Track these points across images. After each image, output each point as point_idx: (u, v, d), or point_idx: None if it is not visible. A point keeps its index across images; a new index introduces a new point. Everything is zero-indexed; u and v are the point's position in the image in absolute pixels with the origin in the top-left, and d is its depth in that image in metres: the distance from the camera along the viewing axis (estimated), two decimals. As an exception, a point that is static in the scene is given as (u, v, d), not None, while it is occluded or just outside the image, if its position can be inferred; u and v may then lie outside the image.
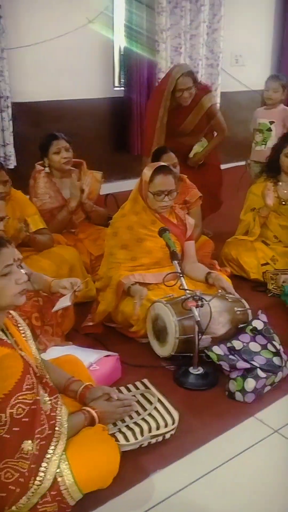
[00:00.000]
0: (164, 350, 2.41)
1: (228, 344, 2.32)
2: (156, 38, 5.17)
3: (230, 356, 2.26)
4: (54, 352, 2.20)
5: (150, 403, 2.01)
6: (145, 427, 1.88)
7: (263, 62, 6.47)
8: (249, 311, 2.52)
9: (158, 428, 1.91)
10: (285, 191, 3.25)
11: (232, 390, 2.19)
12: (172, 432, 1.95)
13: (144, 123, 5.12)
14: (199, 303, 2.25)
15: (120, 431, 1.86)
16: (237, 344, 2.33)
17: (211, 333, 2.35)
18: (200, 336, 2.23)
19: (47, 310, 2.37)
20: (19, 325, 1.69)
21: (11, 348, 1.52)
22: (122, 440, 1.83)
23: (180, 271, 2.42)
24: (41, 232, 2.89)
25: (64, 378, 1.81)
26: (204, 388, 2.27)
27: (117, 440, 1.80)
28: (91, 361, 2.22)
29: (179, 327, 2.31)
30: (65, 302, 2.29)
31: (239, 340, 2.35)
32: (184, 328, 2.31)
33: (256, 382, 2.15)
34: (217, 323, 2.39)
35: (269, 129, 3.95)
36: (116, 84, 5.40)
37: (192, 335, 2.25)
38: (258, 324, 2.40)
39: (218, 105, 3.65)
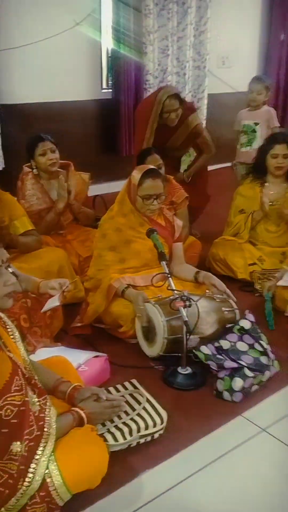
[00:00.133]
0: (152, 350, 2.43)
1: (216, 344, 2.34)
2: (143, 40, 5.20)
3: (218, 356, 2.28)
4: (43, 354, 2.20)
5: (139, 403, 2.03)
6: (134, 427, 1.89)
7: (250, 64, 6.52)
8: (237, 311, 2.54)
9: (146, 428, 1.92)
10: (272, 192, 3.28)
11: (220, 389, 2.21)
12: (161, 431, 1.96)
13: (131, 125, 5.20)
14: (187, 303, 2.26)
15: (109, 431, 1.87)
16: (224, 343, 2.34)
17: (199, 333, 2.36)
18: (188, 336, 2.25)
19: (35, 312, 2.37)
20: (7, 326, 1.69)
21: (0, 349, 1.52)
22: (111, 440, 1.83)
23: (168, 272, 2.44)
24: (30, 234, 2.89)
25: (52, 379, 1.81)
26: (193, 388, 2.29)
27: (106, 440, 1.81)
28: (80, 362, 2.22)
29: (167, 327, 2.32)
30: (54, 302, 2.29)
31: (227, 339, 2.36)
32: (173, 328, 2.33)
33: (244, 381, 2.17)
34: (205, 323, 2.41)
35: (254, 131, 3.99)
36: (104, 86, 5.42)
37: (180, 335, 2.27)
38: (245, 323, 2.42)
39: (203, 124, 3.74)
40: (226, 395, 2.19)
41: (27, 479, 1.46)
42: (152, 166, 2.79)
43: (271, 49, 6.52)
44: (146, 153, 3.23)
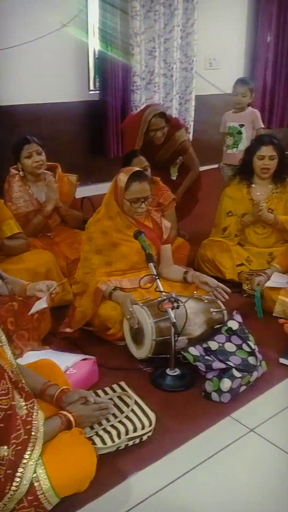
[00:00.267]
0: (141, 352, 2.43)
1: (204, 345, 2.34)
2: (130, 41, 5.20)
3: (206, 357, 2.28)
4: (31, 357, 2.19)
5: (127, 405, 2.03)
6: (122, 429, 1.89)
7: (237, 65, 6.55)
8: (225, 312, 2.54)
9: (135, 430, 1.92)
10: (258, 193, 3.30)
11: (208, 390, 2.22)
12: (149, 433, 1.96)
13: (119, 126, 5.20)
14: (175, 304, 2.26)
15: (97, 434, 1.86)
16: (213, 344, 2.35)
17: (187, 334, 2.36)
18: (176, 338, 2.25)
19: (22, 315, 2.36)
20: (-6, 330, 1.68)
21: (-14, 353, 1.52)
22: (99, 443, 1.83)
23: (155, 273, 2.44)
24: (17, 237, 2.88)
25: (40, 382, 1.80)
26: (181, 389, 2.29)
27: (94, 443, 1.81)
28: (68, 365, 2.21)
29: (155, 329, 2.32)
30: (41, 304, 2.29)
31: (215, 340, 2.37)
32: (161, 330, 2.33)
33: (232, 382, 2.18)
34: (193, 324, 2.41)
35: (240, 132, 4.02)
36: (91, 87, 5.41)
37: (168, 337, 2.27)
38: (233, 324, 2.43)
39: (190, 141, 3.83)
40: (214, 396, 2.20)
41: (14, 484, 1.45)
42: (138, 168, 2.79)
43: (258, 50, 6.55)
44: (132, 155, 3.23)
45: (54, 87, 4.97)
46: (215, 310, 2.52)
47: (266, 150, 3.24)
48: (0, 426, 1.44)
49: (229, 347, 2.36)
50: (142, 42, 5.31)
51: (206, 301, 2.54)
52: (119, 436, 1.88)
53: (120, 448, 1.90)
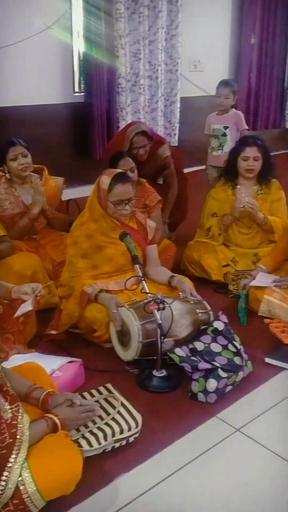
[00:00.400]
0: (127, 354, 2.42)
1: (190, 346, 2.35)
2: (115, 43, 5.21)
3: (192, 358, 2.29)
4: (16, 360, 2.18)
5: (114, 407, 2.02)
6: (108, 431, 1.89)
7: (221, 67, 6.59)
8: (211, 313, 2.55)
9: (121, 432, 1.91)
10: (243, 194, 3.32)
11: (194, 391, 2.22)
12: (136, 435, 1.96)
13: (104, 129, 5.21)
14: (161, 306, 2.27)
15: (83, 436, 1.86)
16: (198, 345, 2.36)
17: (174, 336, 2.37)
18: (162, 339, 2.25)
19: (7, 318, 2.35)
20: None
21: None
22: (85, 446, 1.83)
23: (141, 275, 2.44)
24: (2, 240, 2.86)
25: (25, 385, 1.79)
26: (167, 390, 2.29)
27: (80, 446, 1.80)
28: (54, 367, 2.21)
29: (142, 331, 2.32)
30: (26, 307, 2.27)
31: (201, 341, 2.38)
32: (147, 332, 2.33)
33: (218, 382, 2.19)
34: (179, 326, 2.42)
35: (224, 134, 4.04)
36: (76, 89, 5.40)
37: (155, 339, 2.27)
38: (219, 324, 2.44)
39: (171, 158, 3.88)
40: (200, 396, 2.21)
41: (-1, 488, 1.44)
42: (120, 170, 2.79)
43: (242, 52, 6.60)
44: (118, 156, 3.23)
45: (38, 89, 4.96)
46: (201, 311, 2.53)
47: (250, 151, 3.26)
48: (-15, 430, 1.43)
49: (215, 347, 2.37)
50: (127, 44, 5.32)
51: (192, 302, 2.55)
52: (105, 438, 1.87)
53: (106, 450, 1.89)
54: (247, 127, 4.15)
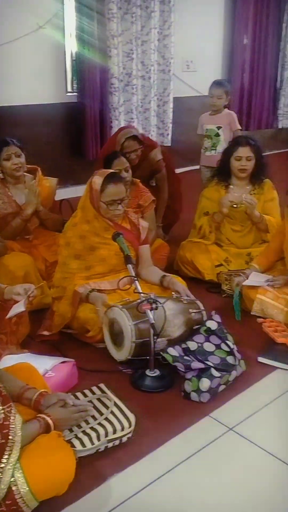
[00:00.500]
0: (121, 354, 2.42)
1: (183, 345, 2.35)
2: (107, 43, 5.21)
3: (185, 357, 2.29)
4: (9, 361, 2.17)
5: (107, 407, 2.02)
6: (101, 431, 1.89)
7: (214, 67, 6.61)
8: (204, 312, 2.56)
9: (114, 432, 1.91)
10: (236, 194, 3.33)
11: (187, 390, 2.22)
12: (129, 435, 1.96)
13: (98, 128, 5.20)
14: (154, 305, 2.27)
15: (76, 436, 1.85)
16: (191, 345, 2.36)
17: (167, 335, 2.37)
18: (155, 339, 2.25)
19: (0, 319, 2.34)
20: None
21: None
22: (78, 446, 1.82)
23: (134, 275, 2.44)
24: (-6, 240, 2.85)
25: (18, 386, 1.79)
26: (161, 390, 2.29)
27: (73, 446, 1.80)
28: (47, 368, 2.20)
29: (135, 331, 2.32)
30: (19, 308, 2.26)
31: (194, 341, 2.38)
32: (140, 332, 2.33)
33: (211, 382, 2.19)
34: (172, 325, 2.42)
35: (217, 134, 4.05)
36: (69, 89, 5.39)
37: (148, 339, 2.27)
38: (212, 324, 2.44)
39: (163, 162, 3.89)
40: (193, 395, 2.21)
41: (-9, 489, 1.44)
42: (112, 170, 2.78)
43: (234, 52, 6.62)
44: (112, 156, 3.23)
45: (31, 89, 4.95)
46: (194, 310, 2.53)
47: (243, 151, 3.27)
48: (-23, 431, 1.43)
49: (208, 347, 2.38)
50: (120, 44, 5.32)
51: (185, 302, 2.55)
52: (98, 438, 1.87)
53: (99, 450, 1.89)
54: (240, 127, 4.17)
